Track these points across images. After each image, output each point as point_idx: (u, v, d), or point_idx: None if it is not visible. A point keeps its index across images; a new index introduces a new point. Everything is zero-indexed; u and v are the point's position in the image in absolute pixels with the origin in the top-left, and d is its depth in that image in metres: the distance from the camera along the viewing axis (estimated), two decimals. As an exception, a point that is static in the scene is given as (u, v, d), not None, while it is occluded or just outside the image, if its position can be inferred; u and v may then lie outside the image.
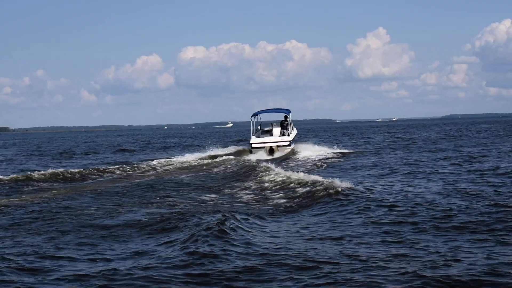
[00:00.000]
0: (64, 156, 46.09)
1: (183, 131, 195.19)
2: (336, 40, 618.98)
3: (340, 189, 15.49)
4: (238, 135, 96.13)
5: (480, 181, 18.34)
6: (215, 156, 33.15)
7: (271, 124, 37.51)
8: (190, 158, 33.89)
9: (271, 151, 34.05)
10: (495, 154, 29.24)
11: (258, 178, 20.72)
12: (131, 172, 26.66)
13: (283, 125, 36.88)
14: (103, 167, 28.43)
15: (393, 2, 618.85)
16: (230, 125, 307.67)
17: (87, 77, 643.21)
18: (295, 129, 38.37)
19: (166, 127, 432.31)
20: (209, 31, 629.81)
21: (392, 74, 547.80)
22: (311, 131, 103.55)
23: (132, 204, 15.97)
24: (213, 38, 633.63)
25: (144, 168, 28.44)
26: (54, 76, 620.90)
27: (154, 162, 31.70)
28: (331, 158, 30.39)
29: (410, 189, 16.83)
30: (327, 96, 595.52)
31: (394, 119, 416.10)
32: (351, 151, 35.75)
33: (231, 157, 32.00)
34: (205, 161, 31.10)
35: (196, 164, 30.32)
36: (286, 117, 37.61)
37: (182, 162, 31.12)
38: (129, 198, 17.26)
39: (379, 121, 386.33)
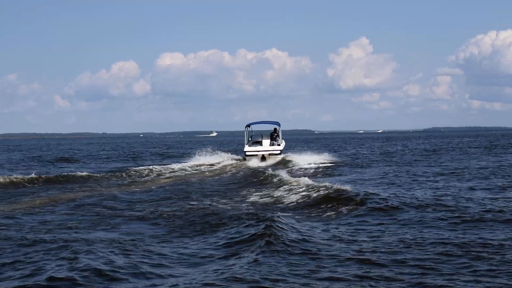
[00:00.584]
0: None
1: (164, 139, 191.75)
2: (318, 49, 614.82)
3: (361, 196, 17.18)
4: (227, 145, 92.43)
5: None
6: (217, 163, 37.91)
7: (261, 135, 41.27)
8: (198, 162, 38.66)
9: (263, 158, 38.29)
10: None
11: (282, 185, 22.41)
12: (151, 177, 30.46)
13: (273, 136, 41.05)
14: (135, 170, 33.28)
15: (376, 11, 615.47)
16: (214, 134, 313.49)
17: (61, 82, 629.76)
18: (283, 140, 42.04)
19: (141, 135, 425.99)
20: (188, 37, 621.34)
21: (374, 85, 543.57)
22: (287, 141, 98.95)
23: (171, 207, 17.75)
24: (192, 44, 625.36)
25: (164, 172, 32.76)
26: (27, 80, 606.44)
27: (171, 166, 35.89)
28: (330, 166, 34.39)
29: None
30: (308, 106, 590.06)
31: (379, 131, 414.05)
32: (340, 160, 40.11)
33: (234, 162, 38.16)
34: (215, 167, 35.59)
35: (208, 168, 34.79)
36: (275, 129, 41.50)
37: (196, 167, 35.40)
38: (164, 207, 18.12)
39: (360, 132, 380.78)
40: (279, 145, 40.45)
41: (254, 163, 36.04)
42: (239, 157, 41.35)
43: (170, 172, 32.81)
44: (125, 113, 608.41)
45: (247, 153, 39.29)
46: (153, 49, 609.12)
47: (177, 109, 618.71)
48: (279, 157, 38.96)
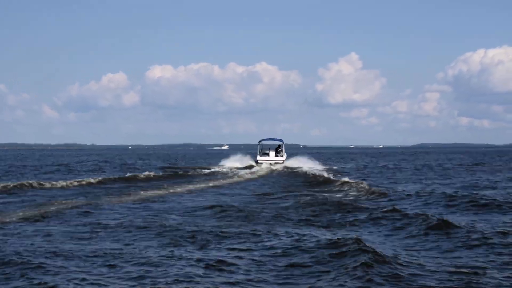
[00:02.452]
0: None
1: (175, 152, 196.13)
2: (307, 64, 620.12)
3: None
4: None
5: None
6: (251, 166, 53.75)
7: (269, 148, 58.17)
8: (235, 164, 55.80)
9: (270, 165, 53.79)
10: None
11: (341, 187, 31.14)
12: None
13: (277, 150, 58.14)
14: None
15: (366, 27, 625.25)
16: (226, 147, 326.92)
17: (49, 92, 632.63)
18: (285, 153, 58.38)
19: (130, 147, 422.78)
20: (178, 50, 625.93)
21: (363, 100, 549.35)
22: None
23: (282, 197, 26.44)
24: (182, 57, 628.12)
25: (227, 171, 48.42)
26: (16, 90, 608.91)
27: (221, 168, 52.39)
28: (335, 170, 50.71)
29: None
30: (297, 120, 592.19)
31: (380, 146, 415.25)
32: (337, 167, 58.08)
33: (264, 167, 53.25)
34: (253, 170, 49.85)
35: (252, 170, 49.08)
36: (279, 145, 59.05)
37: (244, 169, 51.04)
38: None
39: (351, 147, 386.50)
40: (282, 156, 56.74)
41: (265, 166, 52.53)
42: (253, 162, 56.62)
43: (232, 171, 48.70)
44: (114, 124, 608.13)
45: (258, 161, 55.32)
46: (143, 61, 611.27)
47: (166, 122, 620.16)
48: (282, 165, 53.85)
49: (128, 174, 41.63)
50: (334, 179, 36.14)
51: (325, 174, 40.73)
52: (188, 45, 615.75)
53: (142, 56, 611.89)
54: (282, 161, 55.73)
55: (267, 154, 57.16)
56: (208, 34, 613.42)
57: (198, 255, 12.34)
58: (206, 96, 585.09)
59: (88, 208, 21.05)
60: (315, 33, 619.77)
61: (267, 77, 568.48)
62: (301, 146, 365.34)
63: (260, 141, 59.92)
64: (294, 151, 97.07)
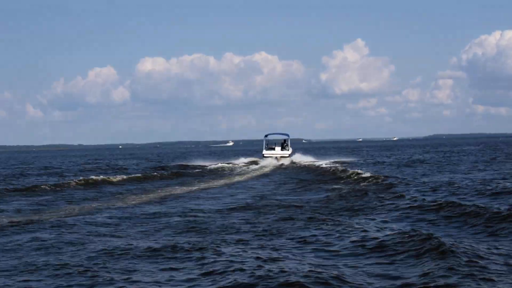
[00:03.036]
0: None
1: (174, 150, 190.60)
2: (310, 52, 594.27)
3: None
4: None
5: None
6: (256, 162, 55.37)
7: (275, 143, 59.64)
8: (244, 161, 57.66)
9: (276, 159, 54.61)
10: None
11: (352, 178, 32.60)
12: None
13: (283, 144, 58.90)
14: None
15: (373, 11, 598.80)
16: (231, 143, 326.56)
17: (33, 90, 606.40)
18: (291, 148, 59.30)
19: (120, 146, 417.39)
20: (170, 41, 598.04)
21: (371, 90, 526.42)
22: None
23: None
24: (174, 48, 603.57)
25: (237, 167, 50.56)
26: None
27: (231, 165, 52.92)
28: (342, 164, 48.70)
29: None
30: (300, 113, 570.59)
31: (394, 139, 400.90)
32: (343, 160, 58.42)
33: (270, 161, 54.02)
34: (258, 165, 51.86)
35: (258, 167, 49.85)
36: (285, 140, 59.90)
37: (258, 165, 51.63)
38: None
39: (359, 141, 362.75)
40: (288, 151, 57.32)
41: (271, 161, 53.37)
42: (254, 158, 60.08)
43: (242, 167, 50.53)
44: (103, 122, 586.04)
45: (264, 155, 56.57)
46: (133, 54, 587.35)
47: (159, 118, 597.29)
48: (288, 159, 54.69)
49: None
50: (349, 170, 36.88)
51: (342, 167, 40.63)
52: (180, 35, 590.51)
53: (132, 48, 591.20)
54: (287, 155, 56.46)
55: (273, 149, 58.13)
56: (202, 23, 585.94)
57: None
58: (201, 90, 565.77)
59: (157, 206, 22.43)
60: (318, 19, 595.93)
61: (267, 68, 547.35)
62: (304, 141, 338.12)
63: (266, 136, 61.58)
64: (296, 146, 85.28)
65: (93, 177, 36.38)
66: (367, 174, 31.86)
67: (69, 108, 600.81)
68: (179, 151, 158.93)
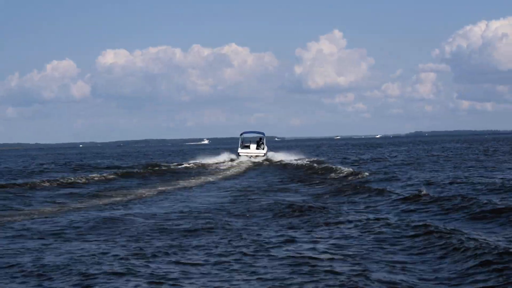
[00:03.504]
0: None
1: (157, 149, 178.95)
2: (284, 43, 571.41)
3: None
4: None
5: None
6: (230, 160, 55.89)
7: (250, 141, 60.80)
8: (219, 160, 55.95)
9: (251, 157, 56.35)
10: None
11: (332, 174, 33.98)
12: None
13: (259, 143, 60.44)
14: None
15: (351, 0, 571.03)
16: (206, 141, 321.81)
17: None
18: (266, 146, 60.95)
19: (81, 145, 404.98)
20: (133, 32, 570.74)
21: (348, 84, 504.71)
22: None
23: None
24: (138, 40, 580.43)
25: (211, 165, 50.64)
26: None
27: (207, 162, 53.34)
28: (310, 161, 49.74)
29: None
30: (272, 109, 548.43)
31: (377, 136, 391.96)
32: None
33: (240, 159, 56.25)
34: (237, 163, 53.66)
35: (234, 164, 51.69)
36: (260, 138, 61.60)
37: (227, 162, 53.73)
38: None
39: (337, 138, 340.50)
40: (263, 149, 59.37)
41: (245, 159, 55.49)
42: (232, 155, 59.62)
43: (216, 164, 51.42)
44: (61, 120, 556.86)
45: (240, 154, 58.08)
46: (93, 46, 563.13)
47: (121, 115, 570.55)
48: (263, 158, 57.08)
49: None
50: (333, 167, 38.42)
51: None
52: (145, 25, 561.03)
53: (92, 40, 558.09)
54: (263, 154, 58.06)
55: (248, 147, 59.42)
56: (167, 12, 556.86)
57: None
58: (167, 84, 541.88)
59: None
60: (292, 8, 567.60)
61: (238, 60, 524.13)
62: (276, 139, 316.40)
63: (241, 134, 62.50)
64: (268, 144, 72.41)
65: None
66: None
67: (25, 104, 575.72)
68: (154, 150, 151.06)
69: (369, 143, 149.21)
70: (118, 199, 23.93)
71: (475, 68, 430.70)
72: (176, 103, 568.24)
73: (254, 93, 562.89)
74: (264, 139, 61.42)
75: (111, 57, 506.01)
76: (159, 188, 28.70)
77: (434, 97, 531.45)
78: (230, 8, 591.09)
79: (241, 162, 53.71)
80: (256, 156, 57.01)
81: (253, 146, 59.04)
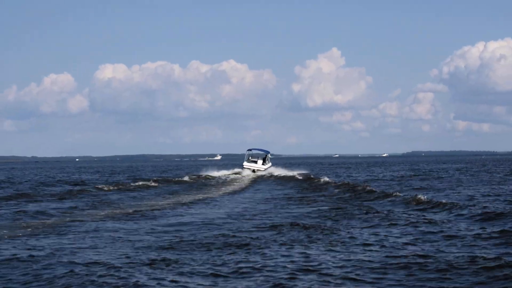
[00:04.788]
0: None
1: (170, 163, 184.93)
2: (282, 61, 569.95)
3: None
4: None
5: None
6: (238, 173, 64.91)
7: (258, 157, 69.77)
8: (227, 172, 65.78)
9: (253, 171, 65.10)
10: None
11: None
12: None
13: (264, 159, 69.13)
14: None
15: (349, 19, 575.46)
16: (219, 157, 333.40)
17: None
18: (270, 163, 69.92)
19: (77, 159, 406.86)
20: (132, 46, 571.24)
21: (346, 103, 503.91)
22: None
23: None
24: (136, 55, 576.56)
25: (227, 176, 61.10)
26: None
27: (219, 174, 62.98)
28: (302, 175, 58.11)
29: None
30: (270, 126, 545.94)
31: (384, 155, 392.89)
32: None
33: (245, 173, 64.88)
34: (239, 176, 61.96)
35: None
36: (266, 155, 70.40)
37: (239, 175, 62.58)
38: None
39: (336, 156, 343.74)
40: (264, 165, 67.09)
41: (248, 172, 64.42)
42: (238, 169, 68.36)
43: (233, 175, 62.42)
44: (58, 133, 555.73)
45: (244, 166, 67.15)
46: (92, 60, 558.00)
47: (118, 130, 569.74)
48: (264, 172, 64.16)
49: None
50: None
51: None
52: (143, 40, 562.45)
53: (91, 54, 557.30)
54: (263, 169, 65.75)
55: (255, 162, 67.47)
56: (166, 27, 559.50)
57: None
58: (165, 100, 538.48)
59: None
60: (291, 26, 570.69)
61: (236, 77, 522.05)
62: (270, 156, 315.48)
63: (249, 150, 71.12)
64: None
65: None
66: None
67: (22, 117, 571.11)
68: (172, 165, 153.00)
69: (388, 161, 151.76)
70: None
71: (473, 88, 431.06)
72: (173, 119, 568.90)
73: (251, 110, 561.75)
74: (268, 156, 70.12)
75: (109, 72, 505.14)
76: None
77: (431, 117, 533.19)
78: (229, 25, 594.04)
79: (247, 174, 63.29)
80: (258, 170, 65.13)
81: (259, 162, 67.00)
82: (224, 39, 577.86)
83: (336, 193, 34.95)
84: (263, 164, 66.71)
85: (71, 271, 12.65)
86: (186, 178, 54.11)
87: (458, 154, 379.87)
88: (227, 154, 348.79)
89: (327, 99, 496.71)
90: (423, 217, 20.40)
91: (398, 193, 30.05)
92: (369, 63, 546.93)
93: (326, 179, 46.03)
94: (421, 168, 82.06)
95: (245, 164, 66.83)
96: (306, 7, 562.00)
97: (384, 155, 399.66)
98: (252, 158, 68.43)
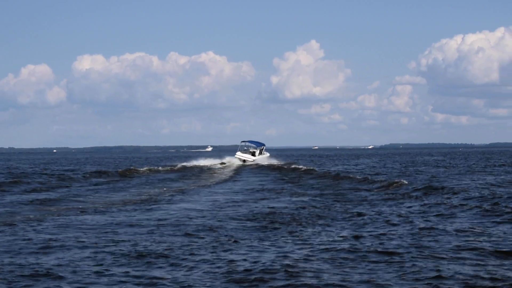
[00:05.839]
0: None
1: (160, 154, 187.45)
2: (261, 53, 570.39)
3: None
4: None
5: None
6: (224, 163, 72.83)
7: (250, 148, 78.77)
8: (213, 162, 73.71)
9: (243, 161, 73.06)
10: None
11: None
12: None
13: (261, 151, 78.25)
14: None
15: (329, 12, 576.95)
16: (210, 149, 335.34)
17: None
18: (267, 154, 79.52)
19: (55, 150, 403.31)
20: (110, 37, 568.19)
21: (324, 95, 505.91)
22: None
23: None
24: (115, 46, 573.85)
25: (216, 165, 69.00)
26: None
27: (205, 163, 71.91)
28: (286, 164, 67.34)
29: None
30: (249, 118, 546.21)
31: (370, 147, 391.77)
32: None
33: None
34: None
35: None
36: (262, 148, 79.67)
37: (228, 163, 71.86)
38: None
39: (315, 148, 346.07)
40: (254, 156, 75.02)
41: (237, 161, 72.69)
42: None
43: (221, 164, 70.75)
44: (36, 125, 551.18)
45: (236, 156, 74.54)
46: (70, 51, 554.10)
47: (97, 121, 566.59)
48: (252, 163, 71.98)
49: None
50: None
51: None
52: (122, 31, 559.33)
53: (68, 45, 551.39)
54: (252, 160, 73.52)
55: (248, 152, 76.30)
56: (145, 18, 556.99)
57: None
58: (144, 92, 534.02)
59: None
60: (270, 18, 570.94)
61: (215, 69, 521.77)
62: (245, 148, 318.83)
63: (243, 141, 79.41)
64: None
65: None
66: None
67: (0, 108, 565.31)
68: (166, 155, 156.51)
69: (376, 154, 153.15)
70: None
71: (451, 81, 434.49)
72: (152, 111, 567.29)
73: (231, 102, 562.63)
74: (263, 149, 79.34)
75: (87, 63, 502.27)
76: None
77: (409, 110, 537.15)
78: (208, 17, 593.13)
79: (234, 162, 72.18)
80: (246, 160, 73.28)
81: (256, 153, 76.04)
82: (203, 31, 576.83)
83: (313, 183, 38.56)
84: (259, 155, 75.31)
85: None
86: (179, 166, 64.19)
87: (436, 147, 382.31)
88: (219, 146, 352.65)
89: (306, 91, 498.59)
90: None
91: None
92: (348, 56, 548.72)
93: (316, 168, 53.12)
94: (423, 161, 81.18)
95: (237, 154, 74.22)
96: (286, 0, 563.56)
97: (370, 147, 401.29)
98: (246, 150, 76.79)
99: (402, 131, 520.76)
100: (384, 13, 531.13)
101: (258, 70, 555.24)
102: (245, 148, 78.10)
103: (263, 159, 75.35)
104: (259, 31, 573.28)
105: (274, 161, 73.43)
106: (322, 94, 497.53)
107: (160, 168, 61.52)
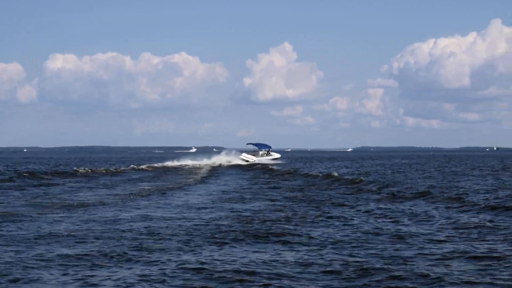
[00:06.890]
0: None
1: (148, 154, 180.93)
2: (234, 54, 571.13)
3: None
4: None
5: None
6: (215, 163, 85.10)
7: (261, 150, 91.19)
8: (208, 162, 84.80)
9: (245, 161, 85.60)
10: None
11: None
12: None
13: (268, 152, 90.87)
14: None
15: (302, 13, 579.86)
16: (194, 150, 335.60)
17: None
18: (273, 155, 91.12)
19: (25, 149, 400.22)
20: (83, 37, 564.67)
21: (297, 97, 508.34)
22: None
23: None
24: (87, 45, 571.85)
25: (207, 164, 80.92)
26: None
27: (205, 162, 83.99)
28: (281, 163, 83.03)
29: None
30: (222, 119, 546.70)
31: (349, 150, 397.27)
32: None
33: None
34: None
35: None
36: (268, 150, 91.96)
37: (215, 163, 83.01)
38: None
39: (288, 151, 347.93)
40: (255, 156, 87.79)
41: (241, 161, 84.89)
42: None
43: (212, 163, 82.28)
44: (7, 124, 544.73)
45: (240, 157, 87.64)
46: (41, 49, 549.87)
47: (68, 121, 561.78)
48: (253, 162, 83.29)
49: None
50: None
51: None
52: (94, 31, 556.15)
53: (41, 43, 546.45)
54: (253, 160, 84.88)
55: (254, 154, 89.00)
56: (118, 18, 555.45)
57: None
58: (116, 91, 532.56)
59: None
60: (243, 20, 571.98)
61: (188, 70, 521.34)
62: (214, 150, 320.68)
63: (248, 143, 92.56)
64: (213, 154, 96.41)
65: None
66: None
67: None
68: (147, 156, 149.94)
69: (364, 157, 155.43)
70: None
71: (422, 85, 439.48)
72: (125, 110, 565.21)
73: (204, 102, 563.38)
74: (269, 151, 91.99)
75: (59, 62, 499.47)
76: None
77: (381, 113, 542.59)
78: (181, 17, 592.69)
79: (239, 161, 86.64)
80: (248, 160, 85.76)
81: (260, 154, 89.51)
82: (176, 31, 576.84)
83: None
84: (266, 156, 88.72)
85: None
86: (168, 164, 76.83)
87: (406, 150, 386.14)
88: (147, 147, 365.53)
89: (279, 93, 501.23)
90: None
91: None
92: (321, 58, 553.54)
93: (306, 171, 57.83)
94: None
95: (242, 155, 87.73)
96: (259, 1, 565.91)
97: (349, 150, 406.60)
98: (251, 151, 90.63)
99: (373, 134, 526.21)
100: (357, 16, 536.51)
101: (231, 71, 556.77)
102: (254, 150, 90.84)
103: (267, 160, 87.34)
104: (232, 33, 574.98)
105: (279, 162, 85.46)
106: (295, 96, 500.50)
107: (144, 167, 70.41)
